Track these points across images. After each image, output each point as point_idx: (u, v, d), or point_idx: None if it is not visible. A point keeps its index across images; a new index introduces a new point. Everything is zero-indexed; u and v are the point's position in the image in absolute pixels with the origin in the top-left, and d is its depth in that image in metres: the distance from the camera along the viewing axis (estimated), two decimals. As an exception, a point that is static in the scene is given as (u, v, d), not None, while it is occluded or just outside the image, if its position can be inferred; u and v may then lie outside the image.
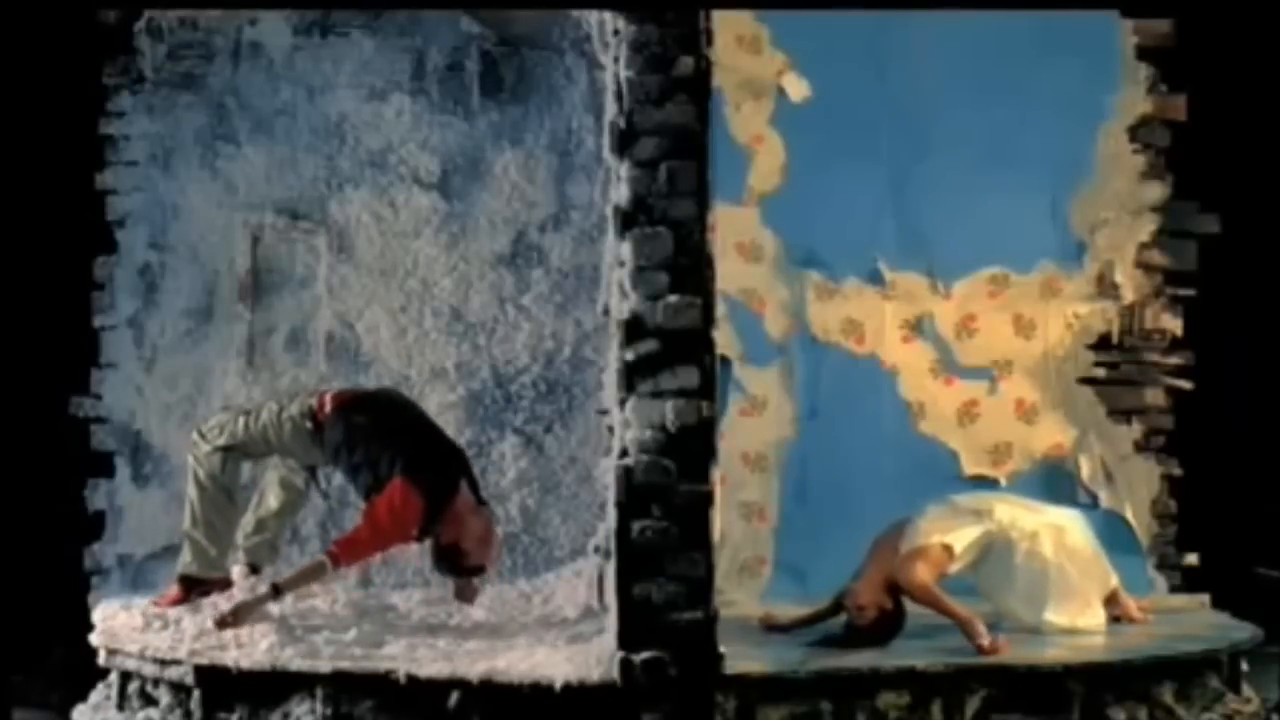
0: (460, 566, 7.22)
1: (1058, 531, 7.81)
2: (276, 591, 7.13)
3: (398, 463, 6.98)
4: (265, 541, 7.49)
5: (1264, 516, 9.02)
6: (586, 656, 6.98)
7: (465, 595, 7.65)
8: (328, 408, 7.16)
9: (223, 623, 7.09)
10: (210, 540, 7.33)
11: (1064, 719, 7.07)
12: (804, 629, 7.77)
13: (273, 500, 7.44)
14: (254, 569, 7.51)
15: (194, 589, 7.41)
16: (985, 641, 7.30)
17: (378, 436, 7.09)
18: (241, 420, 7.31)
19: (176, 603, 7.47)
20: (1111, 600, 7.91)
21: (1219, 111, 8.98)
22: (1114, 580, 7.95)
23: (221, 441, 7.26)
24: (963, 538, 7.68)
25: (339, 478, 7.94)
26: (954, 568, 7.68)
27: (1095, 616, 7.81)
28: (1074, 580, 7.77)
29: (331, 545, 7.15)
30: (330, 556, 7.04)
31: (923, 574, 7.55)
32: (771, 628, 7.89)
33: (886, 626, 7.54)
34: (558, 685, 6.84)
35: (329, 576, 7.44)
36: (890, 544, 7.66)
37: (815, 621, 7.80)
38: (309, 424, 7.17)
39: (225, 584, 7.40)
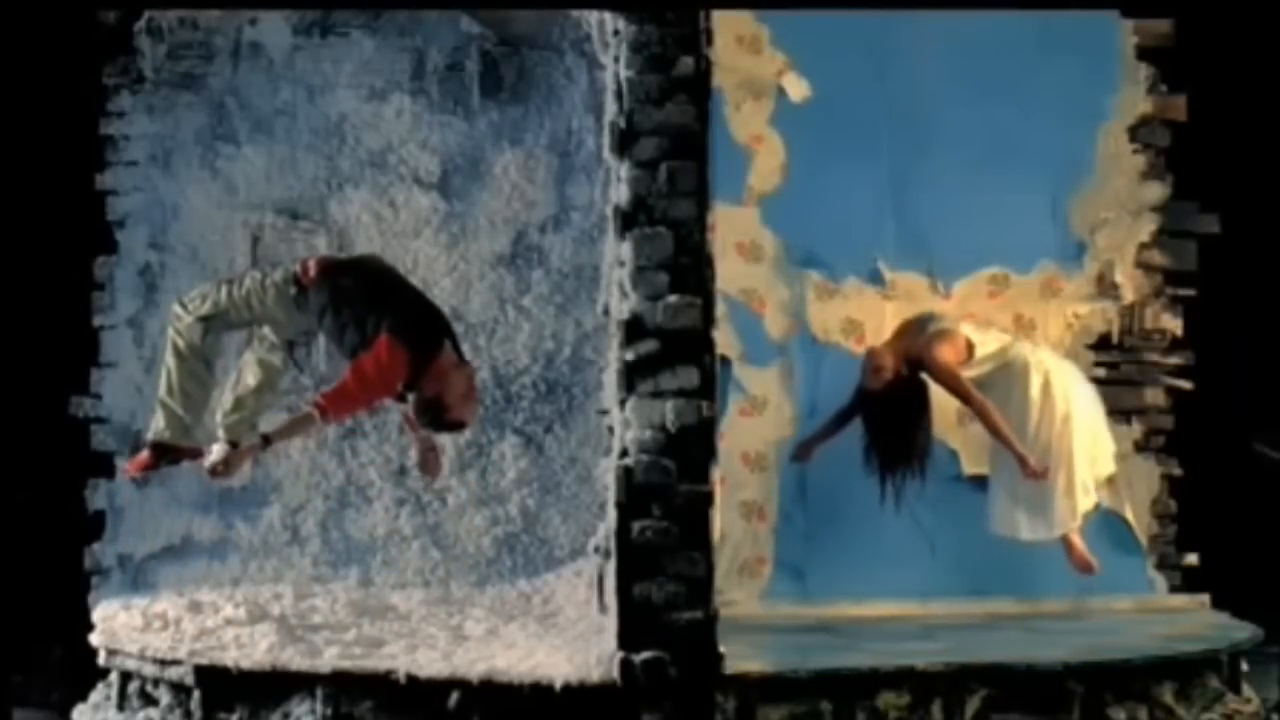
0: (442, 420, 7.21)
1: (1071, 381, 8.09)
2: (266, 441, 7.15)
3: (383, 321, 7.00)
4: (244, 419, 7.49)
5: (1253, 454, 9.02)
6: (586, 656, 6.98)
7: (429, 466, 7.62)
8: (312, 272, 7.17)
9: (214, 471, 7.13)
10: (186, 409, 7.34)
11: (1064, 719, 7.07)
12: (833, 435, 8.20)
13: (250, 378, 7.44)
14: (234, 446, 7.51)
15: (165, 455, 7.41)
16: (1001, 425, 7.82)
17: (363, 298, 7.12)
18: (224, 289, 7.30)
19: (146, 468, 7.46)
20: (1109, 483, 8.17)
21: (1219, 111, 8.98)
22: (1111, 467, 8.09)
23: (205, 310, 7.26)
24: (986, 343, 8.06)
25: (315, 356, 8.21)
26: (971, 370, 7.96)
27: (1087, 498, 8.05)
28: (1075, 450, 8.01)
29: (318, 397, 7.14)
30: (317, 408, 7.03)
31: (947, 353, 7.91)
32: (801, 454, 8.31)
33: (899, 399, 7.86)
34: (558, 685, 6.85)
35: (316, 428, 7.48)
36: (917, 325, 8.07)
37: (841, 424, 8.18)
38: (293, 289, 7.16)
39: (196, 453, 7.40)
